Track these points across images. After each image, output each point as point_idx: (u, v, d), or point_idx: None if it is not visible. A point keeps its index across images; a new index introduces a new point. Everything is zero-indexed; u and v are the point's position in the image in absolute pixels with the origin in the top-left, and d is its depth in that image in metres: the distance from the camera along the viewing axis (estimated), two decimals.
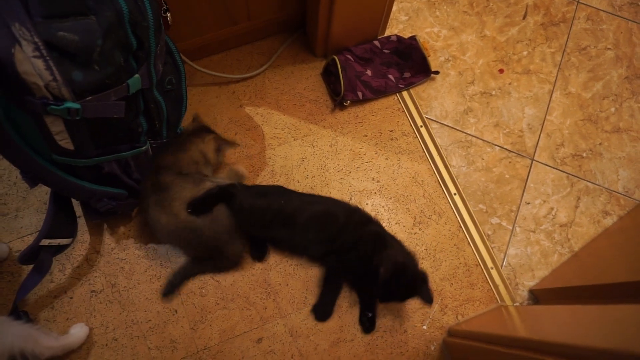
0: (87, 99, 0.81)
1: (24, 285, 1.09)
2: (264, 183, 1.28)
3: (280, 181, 1.29)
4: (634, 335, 0.68)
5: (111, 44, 0.80)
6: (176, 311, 1.17)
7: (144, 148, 1.04)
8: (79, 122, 0.84)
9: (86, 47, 0.77)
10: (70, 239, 1.14)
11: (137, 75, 0.88)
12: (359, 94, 1.35)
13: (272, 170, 1.30)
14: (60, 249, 1.12)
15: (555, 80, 1.46)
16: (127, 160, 1.03)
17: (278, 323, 1.17)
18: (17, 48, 0.70)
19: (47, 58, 0.73)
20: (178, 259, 1.20)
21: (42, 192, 1.25)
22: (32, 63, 0.72)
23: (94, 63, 0.80)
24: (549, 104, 1.43)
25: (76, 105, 0.80)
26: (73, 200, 1.16)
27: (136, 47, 0.85)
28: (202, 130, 1.20)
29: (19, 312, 1.10)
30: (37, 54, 0.72)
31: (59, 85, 0.77)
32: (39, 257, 1.07)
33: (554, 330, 0.92)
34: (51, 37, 0.73)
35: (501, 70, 1.46)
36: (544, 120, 1.41)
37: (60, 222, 1.09)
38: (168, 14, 1.01)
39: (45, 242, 1.05)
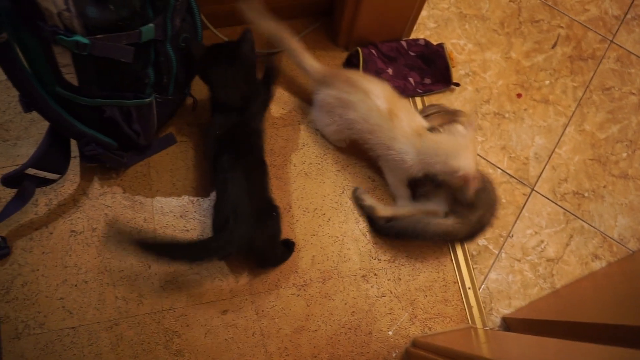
0: (98, 36, 0.82)
1: (5, 210, 1.10)
2: None
3: (277, 162, 1.28)
4: None
5: None
6: (150, 266, 1.17)
7: (147, 100, 1.04)
8: (87, 59, 0.85)
9: None
10: (58, 175, 1.13)
11: (151, 25, 0.88)
12: None
13: (271, 150, 1.29)
14: (46, 182, 1.12)
15: (572, 115, 1.43)
16: (129, 108, 1.03)
17: (247, 299, 1.17)
18: None
19: None
20: (163, 217, 1.21)
21: (45, 125, 1.26)
22: None
23: (109, 2, 0.80)
24: (560, 137, 1.40)
25: (85, 40, 0.81)
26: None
27: None
28: None
29: None
30: None
31: (71, 17, 0.78)
32: (22, 184, 1.08)
33: (516, 356, 0.91)
34: None
35: (519, 95, 1.43)
36: (552, 152, 1.38)
37: (51, 156, 1.09)
38: None
39: (31, 171, 1.05)
